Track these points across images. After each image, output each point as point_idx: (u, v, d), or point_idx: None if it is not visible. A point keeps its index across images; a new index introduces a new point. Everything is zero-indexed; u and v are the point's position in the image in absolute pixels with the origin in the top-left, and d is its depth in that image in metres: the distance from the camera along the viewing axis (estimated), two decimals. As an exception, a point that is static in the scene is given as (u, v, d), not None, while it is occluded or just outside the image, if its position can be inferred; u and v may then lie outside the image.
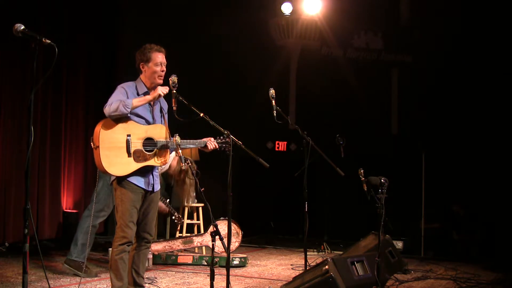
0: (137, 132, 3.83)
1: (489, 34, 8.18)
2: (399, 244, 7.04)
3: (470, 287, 5.35)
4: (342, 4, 9.12)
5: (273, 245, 8.17)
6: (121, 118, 3.80)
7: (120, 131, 3.78)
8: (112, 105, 3.73)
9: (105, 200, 5.47)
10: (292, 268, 6.27)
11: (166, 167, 5.96)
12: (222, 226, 5.90)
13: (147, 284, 4.76)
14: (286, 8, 9.42)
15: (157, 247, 6.22)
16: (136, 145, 3.82)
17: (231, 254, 5.63)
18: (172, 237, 6.82)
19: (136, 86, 3.96)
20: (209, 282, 3.52)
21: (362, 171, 4.41)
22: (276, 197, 9.42)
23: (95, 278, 5.23)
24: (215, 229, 3.48)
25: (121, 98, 3.79)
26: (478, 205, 7.78)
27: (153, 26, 7.99)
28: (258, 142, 9.19)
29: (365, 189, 4.35)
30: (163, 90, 3.86)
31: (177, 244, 6.35)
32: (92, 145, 3.79)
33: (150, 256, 5.96)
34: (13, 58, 6.70)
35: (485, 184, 7.73)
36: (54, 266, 5.77)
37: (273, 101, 4.66)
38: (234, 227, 6.55)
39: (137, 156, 3.82)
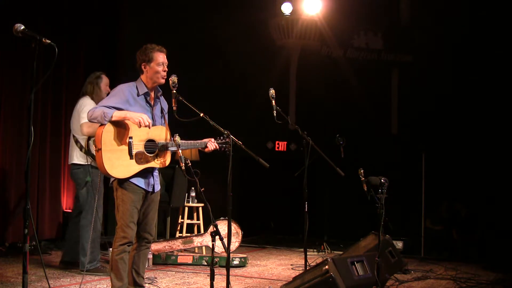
0: (139, 134, 3.83)
1: (489, 33, 8.18)
2: (399, 244, 7.04)
3: (470, 287, 5.36)
4: (342, 4, 9.11)
5: (273, 245, 8.17)
6: (123, 120, 3.80)
7: (122, 133, 3.78)
8: (95, 112, 3.76)
9: (90, 202, 5.37)
10: (292, 268, 6.27)
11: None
12: (222, 226, 5.90)
13: (147, 284, 4.76)
14: (286, 8, 9.41)
15: (157, 247, 6.22)
16: (138, 147, 3.82)
17: (231, 254, 5.63)
18: (172, 237, 6.83)
19: (136, 86, 3.97)
20: (209, 282, 3.52)
21: (362, 171, 4.41)
22: (276, 197, 9.41)
23: (95, 278, 5.23)
24: (215, 229, 3.48)
25: (111, 104, 3.79)
26: (478, 205, 7.79)
27: (153, 26, 7.99)
28: (258, 142, 9.19)
29: (365, 189, 4.35)
30: (146, 121, 3.74)
31: (177, 244, 6.35)
32: (94, 147, 3.79)
33: (150, 256, 5.96)
34: (13, 58, 6.69)
35: (485, 184, 7.73)
36: (54, 266, 5.76)
37: (273, 101, 4.65)
38: (234, 227, 6.55)
39: (139, 158, 3.82)
